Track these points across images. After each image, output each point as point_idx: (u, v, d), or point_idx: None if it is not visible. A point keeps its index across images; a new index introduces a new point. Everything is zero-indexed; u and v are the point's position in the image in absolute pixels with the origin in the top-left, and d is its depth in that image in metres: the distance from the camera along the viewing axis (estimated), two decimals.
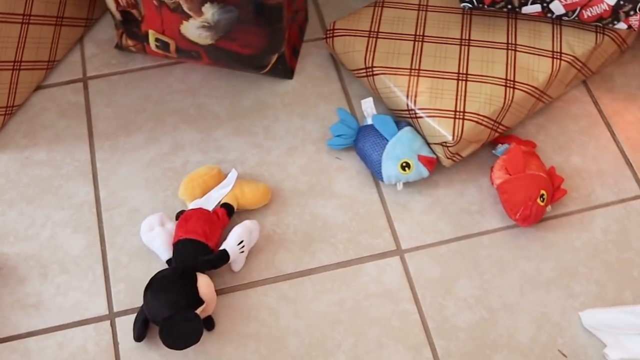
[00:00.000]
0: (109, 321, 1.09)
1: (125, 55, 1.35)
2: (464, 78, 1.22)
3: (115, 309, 1.10)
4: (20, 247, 1.15)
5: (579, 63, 1.25)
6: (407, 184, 1.20)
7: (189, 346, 0.98)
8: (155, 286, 1.01)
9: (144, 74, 1.34)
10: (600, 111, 1.33)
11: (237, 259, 1.08)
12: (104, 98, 1.30)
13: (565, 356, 1.09)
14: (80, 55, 1.36)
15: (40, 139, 1.26)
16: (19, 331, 1.09)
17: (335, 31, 1.30)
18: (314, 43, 1.38)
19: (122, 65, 1.35)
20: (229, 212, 1.11)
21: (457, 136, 1.16)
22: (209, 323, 1.08)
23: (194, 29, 1.18)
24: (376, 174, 1.20)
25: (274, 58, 1.27)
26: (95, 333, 1.08)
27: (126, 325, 1.09)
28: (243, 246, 1.07)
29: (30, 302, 1.11)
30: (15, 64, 1.23)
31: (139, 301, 1.09)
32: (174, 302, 1.00)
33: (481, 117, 1.18)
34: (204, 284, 1.04)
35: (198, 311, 1.00)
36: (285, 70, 1.31)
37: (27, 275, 1.12)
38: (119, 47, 1.34)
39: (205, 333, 1.04)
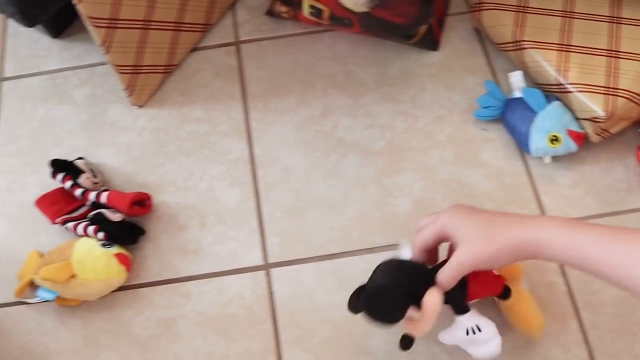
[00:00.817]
0: (265, 271, 1.14)
1: (275, 22, 1.40)
2: (615, 55, 1.22)
3: (270, 260, 1.15)
4: (180, 196, 1.21)
5: None
6: (554, 158, 1.22)
7: (380, 320, 0.95)
8: (395, 263, 1.00)
9: (293, 40, 1.38)
10: None
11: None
12: (255, 61, 1.35)
13: None
14: (233, 20, 1.42)
15: (196, 97, 1.32)
16: (179, 275, 1.15)
17: (483, 5, 1.31)
18: (458, 17, 1.40)
19: (272, 31, 1.39)
20: None
21: (609, 112, 1.17)
22: (407, 341, 0.98)
23: None
24: (523, 146, 1.22)
25: (423, 29, 1.29)
26: (251, 282, 1.13)
27: (280, 276, 1.13)
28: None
29: (190, 249, 1.16)
30: (177, 25, 1.29)
31: (292, 255, 1.14)
32: (399, 281, 0.96)
33: (633, 94, 1.18)
34: (434, 296, 0.95)
35: (411, 313, 0.95)
36: (431, 41, 1.34)
37: (187, 224, 1.18)
38: (270, 13, 1.39)
39: None
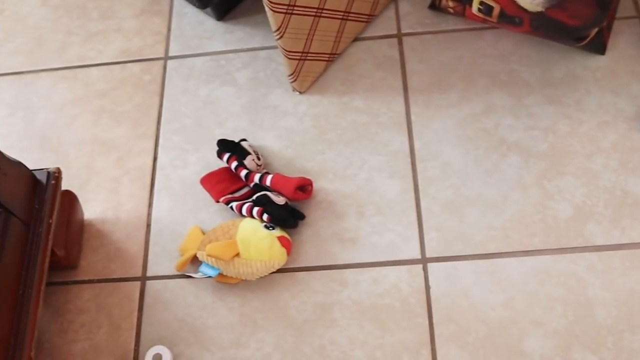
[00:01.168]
0: (422, 265, 1.15)
1: (437, 16, 1.40)
2: None
3: (428, 255, 1.15)
4: (339, 185, 1.22)
5: None
6: None
7: None
8: None
9: (455, 36, 1.37)
10: None
11: None
12: (417, 55, 1.36)
13: None
14: (395, 12, 1.42)
15: (357, 87, 1.33)
16: (336, 262, 1.16)
17: None
18: (626, 21, 1.37)
19: (434, 25, 1.39)
20: None
21: None
22: None
23: None
24: None
25: (594, 31, 1.27)
26: (408, 274, 1.14)
27: (437, 271, 1.14)
28: None
29: (347, 237, 1.18)
30: (345, 14, 1.31)
31: (449, 251, 1.14)
32: None
33: None
34: None
35: None
36: (599, 45, 1.31)
37: (345, 212, 1.19)
38: (433, 7, 1.39)
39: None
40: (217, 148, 1.23)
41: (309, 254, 1.17)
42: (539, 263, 1.14)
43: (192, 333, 1.13)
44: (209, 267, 1.13)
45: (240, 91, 1.35)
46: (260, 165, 1.21)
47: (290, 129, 1.29)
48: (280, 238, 1.13)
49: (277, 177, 1.17)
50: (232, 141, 1.23)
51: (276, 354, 1.10)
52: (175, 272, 1.17)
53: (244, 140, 1.24)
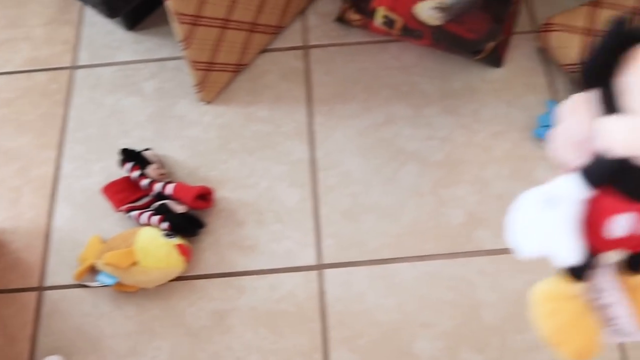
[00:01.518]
0: (318, 271, 1.17)
1: (344, 29, 1.43)
2: None
3: (324, 261, 1.18)
4: (240, 193, 1.24)
5: None
6: None
7: None
8: None
9: (360, 48, 1.41)
10: None
11: None
12: (322, 66, 1.38)
13: None
14: (302, 25, 1.45)
15: (262, 98, 1.35)
16: (235, 269, 1.18)
17: (551, 26, 1.33)
18: (523, 35, 1.42)
19: (340, 38, 1.42)
20: None
21: None
22: None
23: (427, 10, 1.24)
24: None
25: (491, 45, 1.31)
26: (304, 280, 1.16)
27: (333, 276, 1.16)
28: None
29: (246, 244, 1.20)
30: (252, 25, 1.33)
31: (346, 257, 1.17)
32: None
33: None
34: None
35: None
36: (496, 58, 1.35)
37: (245, 220, 1.21)
38: (340, 20, 1.42)
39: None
40: (120, 157, 1.23)
41: (208, 262, 1.18)
42: (431, 268, 1.17)
43: (89, 342, 1.13)
44: (107, 275, 1.14)
45: (147, 101, 1.36)
46: (163, 175, 1.22)
47: (195, 139, 1.31)
48: (179, 246, 1.14)
49: (178, 186, 1.19)
50: (135, 150, 1.23)
51: None
52: (74, 282, 1.18)
53: (148, 149, 1.25)
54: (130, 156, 1.22)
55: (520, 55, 1.39)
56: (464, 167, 1.25)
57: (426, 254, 1.18)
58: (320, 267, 1.17)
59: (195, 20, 1.18)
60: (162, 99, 1.36)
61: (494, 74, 1.36)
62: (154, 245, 1.13)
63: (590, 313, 0.62)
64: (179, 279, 1.17)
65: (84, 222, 1.23)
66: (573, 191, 0.55)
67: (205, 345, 1.11)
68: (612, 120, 0.50)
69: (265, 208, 1.23)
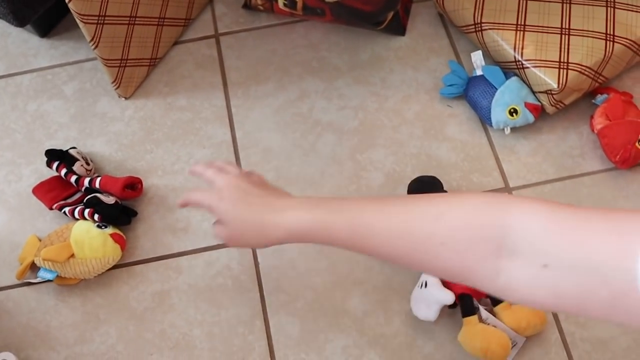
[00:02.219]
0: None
1: (252, 14, 1.49)
2: (567, 32, 1.32)
3: None
4: (168, 179, 1.30)
5: None
6: (513, 129, 1.31)
7: None
8: None
9: (269, 31, 1.47)
10: None
11: None
12: (234, 52, 1.45)
13: None
14: (212, 14, 1.51)
15: (180, 87, 1.40)
16: (171, 251, 1.24)
17: None
18: (423, 3, 1.50)
19: (249, 23, 1.48)
20: None
21: (562, 84, 1.26)
22: None
23: None
24: (485, 120, 1.32)
25: (390, 15, 1.39)
26: (238, 254, 1.23)
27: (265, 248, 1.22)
28: None
29: (179, 227, 1.26)
30: (160, 20, 1.38)
31: None
32: None
33: (584, 67, 1.28)
34: None
35: None
36: (398, 27, 1.43)
37: (176, 204, 1.27)
38: (246, 6, 1.48)
39: None
40: (46, 159, 1.28)
41: (144, 247, 1.24)
42: None
43: (37, 336, 1.17)
44: (47, 270, 1.18)
45: (68, 102, 1.40)
46: (90, 170, 1.27)
47: (118, 133, 1.35)
48: (112, 235, 1.19)
49: (105, 178, 1.23)
50: (60, 150, 1.27)
51: (120, 344, 1.16)
52: (16, 282, 1.21)
53: (73, 148, 1.29)
54: (56, 155, 1.26)
55: (421, 22, 1.47)
56: (378, 132, 1.33)
57: None
58: None
59: (100, 20, 1.23)
60: (83, 99, 1.40)
61: (399, 42, 1.44)
62: (88, 236, 1.18)
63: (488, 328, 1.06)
64: (117, 266, 1.21)
65: (20, 224, 1.27)
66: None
67: (150, 325, 1.17)
68: None
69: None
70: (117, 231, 1.20)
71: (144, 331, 1.16)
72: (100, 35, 1.26)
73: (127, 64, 1.34)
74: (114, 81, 1.34)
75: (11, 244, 1.25)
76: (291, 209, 0.89)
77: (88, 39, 1.24)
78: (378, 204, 0.83)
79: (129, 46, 1.33)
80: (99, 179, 1.23)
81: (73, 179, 1.24)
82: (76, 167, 1.25)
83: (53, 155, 1.26)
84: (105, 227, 1.19)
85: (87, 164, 1.26)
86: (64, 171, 1.24)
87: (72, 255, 1.16)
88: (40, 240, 1.22)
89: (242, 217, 0.93)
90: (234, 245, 0.99)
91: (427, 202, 0.78)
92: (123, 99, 1.39)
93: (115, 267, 1.21)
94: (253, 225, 0.91)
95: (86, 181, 1.23)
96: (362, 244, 0.82)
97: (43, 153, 1.29)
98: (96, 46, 1.26)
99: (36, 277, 1.19)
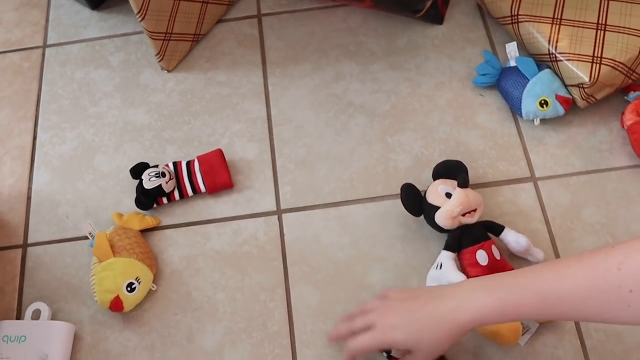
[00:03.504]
0: (277, 216, 1.28)
1: None
2: (603, 28, 1.34)
3: (282, 207, 1.28)
4: (203, 150, 1.35)
5: None
6: (543, 120, 1.33)
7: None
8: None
9: (310, 14, 1.51)
10: None
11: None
12: (275, 32, 1.49)
13: None
14: None
15: (220, 64, 1.45)
16: (201, 218, 1.28)
17: None
18: None
19: (291, 6, 1.53)
20: None
21: (594, 78, 1.28)
22: None
23: None
24: (516, 110, 1.34)
25: (428, 4, 1.42)
26: (265, 225, 1.27)
27: (291, 220, 1.27)
28: None
29: (210, 196, 1.30)
30: None
31: (302, 202, 1.28)
32: None
33: (617, 63, 1.29)
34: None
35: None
36: (436, 15, 1.46)
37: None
38: None
39: None
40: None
41: (175, 213, 1.29)
42: (382, 208, 1.28)
43: (70, 290, 1.23)
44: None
45: (114, 72, 1.46)
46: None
47: (159, 104, 1.41)
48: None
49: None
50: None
51: (146, 302, 1.21)
52: (54, 238, 1.27)
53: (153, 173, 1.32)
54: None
55: (460, 12, 1.50)
56: (409, 116, 1.36)
57: (376, 196, 1.29)
58: (279, 212, 1.28)
59: None
60: (127, 70, 1.46)
61: (436, 30, 1.47)
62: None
63: None
64: (151, 230, 1.27)
65: (60, 185, 1.33)
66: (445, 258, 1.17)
67: (177, 286, 1.22)
68: None
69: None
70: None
71: (170, 292, 1.22)
72: (147, 8, 1.31)
73: (172, 38, 1.40)
74: (157, 53, 1.40)
75: (52, 202, 1.32)
76: (464, 293, 0.89)
77: (135, 11, 1.30)
78: (554, 270, 0.84)
79: (174, 21, 1.38)
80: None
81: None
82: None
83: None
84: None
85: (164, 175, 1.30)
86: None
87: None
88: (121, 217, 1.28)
89: (413, 313, 0.93)
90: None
91: (603, 256, 0.80)
92: (165, 71, 1.44)
93: (147, 230, 1.26)
94: (429, 320, 0.90)
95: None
96: (552, 312, 0.83)
97: (87, 119, 1.36)
98: (143, 18, 1.32)
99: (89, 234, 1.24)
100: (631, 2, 1.34)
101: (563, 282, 0.82)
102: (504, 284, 0.87)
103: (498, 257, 1.16)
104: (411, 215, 1.22)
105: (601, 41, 1.31)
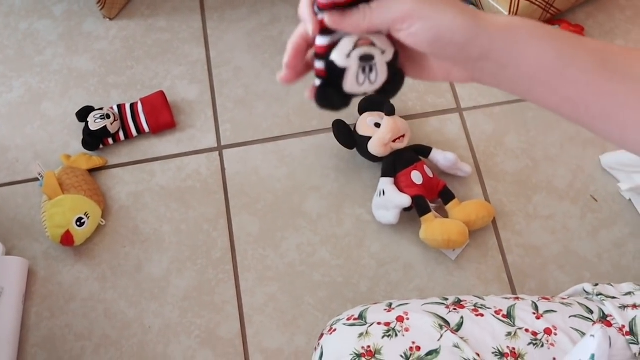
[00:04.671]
0: (218, 152, 1.35)
1: None
2: None
3: (223, 143, 1.36)
4: (146, 93, 1.41)
5: None
6: None
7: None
8: None
9: None
10: None
11: None
12: None
13: (596, 200, 1.30)
14: None
15: (160, 10, 1.51)
16: (146, 156, 1.35)
17: None
18: None
19: None
20: None
21: (513, 12, 1.36)
22: None
23: None
24: None
25: None
26: (207, 160, 1.34)
27: (231, 155, 1.34)
28: None
29: (154, 135, 1.37)
30: None
31: (241, 138, 1.35)
32: None
33: None
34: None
35: None
36: None
37: None
38: None
39: None
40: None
41: (121, 153, 1.35)
42: (317, 141, 1.36)
43: (23, 229, 1.29)
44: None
45: (57, 22, 1.51)
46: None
47: (102, 51, 1.46)
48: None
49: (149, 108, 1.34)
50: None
51: (97, 236, 1.28)
52: (5, 181, 1.33)
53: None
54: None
55: None
56: None
57: (312, 130, 1.36)
58: (220, 148, 1.35)
59: None
60: (71, 19, 1.51)
61: None
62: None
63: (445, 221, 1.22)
64: (99, 169, 1.33)
65: (9, 131, 1.38)
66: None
67: (125, 221, 1.29)
68: None
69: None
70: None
71: (118, 226, 1.29)
72: None
73: None
74: (98, 2, 1.45)
75: (1, 147, 1.37)
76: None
77: None
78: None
79: None
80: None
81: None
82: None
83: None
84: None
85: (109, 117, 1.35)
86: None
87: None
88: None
89: None
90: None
91: None
92: (107, 19, 1.49)
93: (95, 169, 1.32)
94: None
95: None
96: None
97: (32, 67, 1.41)
98: None
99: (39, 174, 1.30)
100: None
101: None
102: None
103: (431, 176, 1.24)
104: (344, 148, 1.29)
105: None
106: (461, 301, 0.83)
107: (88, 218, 1.24)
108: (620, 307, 0.80)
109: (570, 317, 0.80)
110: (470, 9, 0.55)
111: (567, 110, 0.57)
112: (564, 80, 0.55)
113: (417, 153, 1.26)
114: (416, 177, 1.23)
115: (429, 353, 0.76)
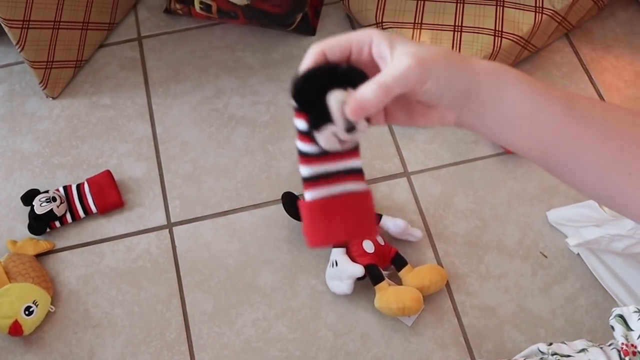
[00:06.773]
0: (168, 229, 1.34)
1: (172, 18, 1.60)
2: (459, 30, 1.45)
3: (173, 220, 1.35)
4: (92, 172, 1.39)
5: (559, 17, 1.48)
6: None
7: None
8: None
9: (189, 34, 1.58)
10: (580, 59, 1.55)
11: None
12: (156, 54, 1.55)
13: (546, 257, 1.32)
14: (135, 19, 1.61)
15: (104, 87, 1.51)
16: (94, 238, 1.34)
17: None
18: (332, 5, 1.62)
19: (170, 27, 1.59)
20: None
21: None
22: None
23: None
24: None
25: (299, 17, 1.51)
26: (157, 239, 1.33)
27: (182, 232, 1.33)
28: None
29: (102, 216, 1.35)
30: (84, 24, 1.48)
31: (191, 214, 1.34)
32: None
33: None
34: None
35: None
36: (308, 27, 1.55)
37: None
38: (167, 11, 1.59)
39: None
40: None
41: (69, 236, 1.33)
42: (267, 213, 1.35)
43: None
44: None
45: None
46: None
47: (46, 131, 1.45)
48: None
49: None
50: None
51: (46, 324, 1.25)
52: None
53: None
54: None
55: (331, 23, 1.59)
56: (288, 124, 1.44)
57: (262, 202, 1.36)
58: (169, 225, 1.34)
59: (24, 24, 1.33)
60: (12, 99, 1.50)
61: (309, 41, 1.55)
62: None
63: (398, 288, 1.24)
64: (46, 253, 1.31)
65: None
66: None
67: (75, 306, 1.27)
68: None
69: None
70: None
71: (69, 312, 1.26)
72: (26, 38, 1.35)
73: (54, 66, 1.44)
74: (41, 82, 1.44)
75: None
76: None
77: (14, 42, 1.34)
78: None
79: (55, 49, 1.43)
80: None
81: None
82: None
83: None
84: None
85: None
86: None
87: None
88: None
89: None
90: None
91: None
92: (51, 98, 1.49)
93: (42, 254, 1.30)
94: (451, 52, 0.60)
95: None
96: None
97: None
98: (22, 49, 1.36)
99: None
100: (483, 4, 1.46)
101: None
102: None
103: (382, 243, 1.25)
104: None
105: (458, 41, 1.42)
106: None
107: (37, 306, 1.21)
108: None
109: None
110: (457, 53, 0.61)
111: (539, 153, 0.61)
112: (539, 123, 0.59)
113: None
114: (368, 245, 1.24)
115: None
